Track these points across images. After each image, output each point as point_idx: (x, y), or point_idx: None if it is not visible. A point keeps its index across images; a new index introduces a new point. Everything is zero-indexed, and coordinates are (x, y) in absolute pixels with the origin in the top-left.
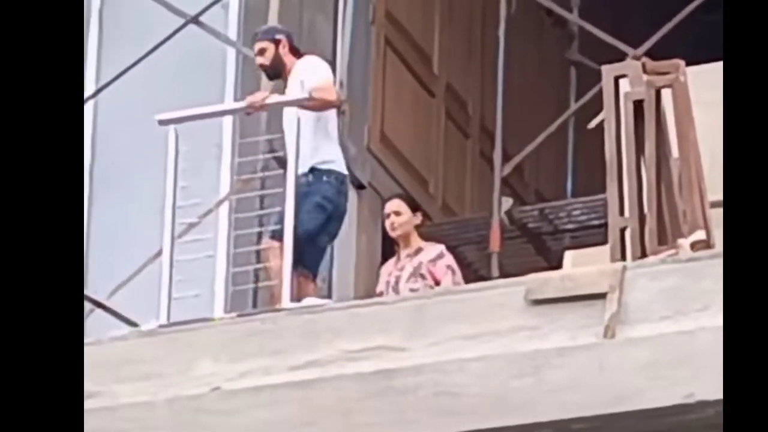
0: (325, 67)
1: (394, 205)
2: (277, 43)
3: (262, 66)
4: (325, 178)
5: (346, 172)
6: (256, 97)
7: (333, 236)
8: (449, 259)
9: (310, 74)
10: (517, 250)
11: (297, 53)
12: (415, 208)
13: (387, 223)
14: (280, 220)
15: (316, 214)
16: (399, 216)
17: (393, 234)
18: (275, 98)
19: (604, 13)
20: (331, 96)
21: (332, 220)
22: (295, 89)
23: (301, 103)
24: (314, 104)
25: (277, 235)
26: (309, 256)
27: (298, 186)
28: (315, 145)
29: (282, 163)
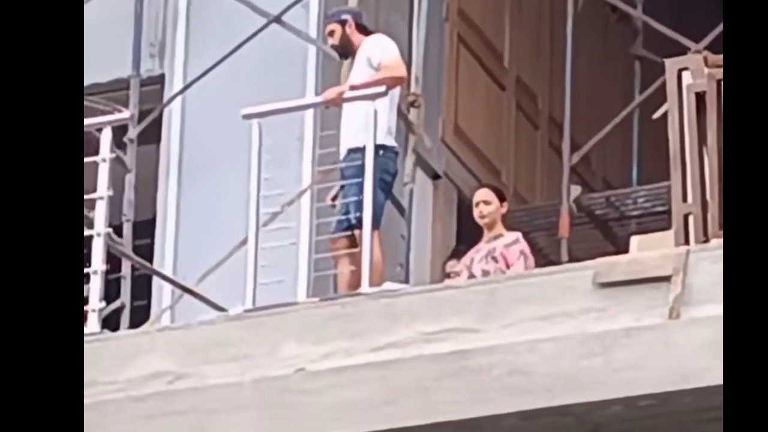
0: (392, 45)
1: (483, 194)
2: (343, 23)
3: (333, 47)
4: (381, 153)
5: (395, 144)
6: (332, 93)
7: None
8: (523, 245)
9: (377, 51)
10: (585, 236)
11: (365, 31)
12: (501, 198)
13: (475, 212)
14: (347, 211)
15: (379, 192)
16: (488, 205)
17: (481, 222)
18: (351, 93)
19: (667, 9)
20: (401, 72)
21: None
22: (361, 65)
23: (377, 97)
24: (384, 81)
25: (344, 226)
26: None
27: (359, 166)
28: (389, 125)
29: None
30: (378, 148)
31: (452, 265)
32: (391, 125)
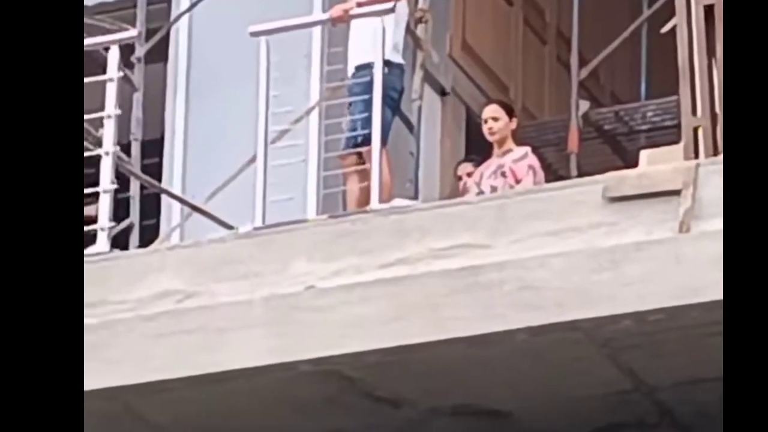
0: None
1: (492, 110)
2: None
3: None
4: (385, 71)
5: (401, 60)
6: (338, 9)
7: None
8: (532, 159)
9: None
10: (594, 151)
11: None
12: (510, 113)
13: (485, 128)
14: (353, 128)
15: (386, 109)
16: (497, 121)
17: (491, 138)
18: (358, 10)
19: None
20: None
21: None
22: None
23: (384, 13)
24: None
25: (353, 143)
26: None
27: (367, 83)
28: (395, 41)
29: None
30: (384, 64)
31: (464, 168)
32: (397, 42)
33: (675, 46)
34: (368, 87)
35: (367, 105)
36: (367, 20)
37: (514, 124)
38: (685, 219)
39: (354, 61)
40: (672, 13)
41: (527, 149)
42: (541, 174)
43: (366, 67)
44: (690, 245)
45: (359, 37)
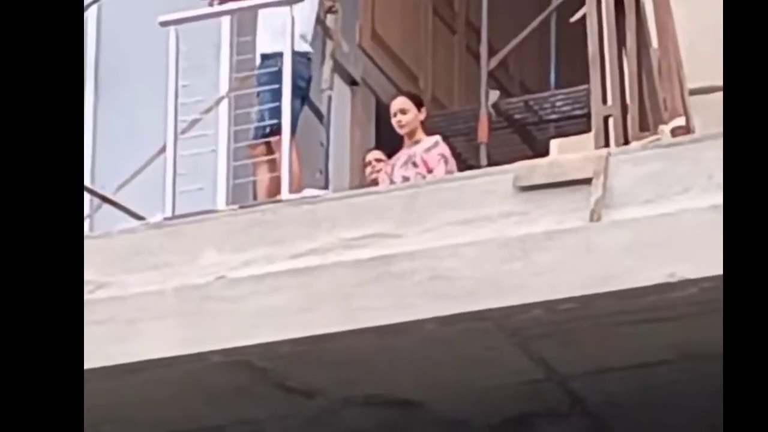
0: None
1: (400, 102)
2: None
3: None
4: (303, 60)
5: (308, 48)
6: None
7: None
8: (443, 148)
9: None
10: (504, 141)
11: None
12: (419, 104)
13: (394, 121)
14: (263, 118)
15: (296, 98)
16: (405, 114)
17: (401, 131)
18: (223, 6)
19: None
20: None
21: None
22: None
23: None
24: None
25: (260, 134)
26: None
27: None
28: (302, 31)
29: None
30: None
31: (373, 154)
32: (304, 31)
33: (584, 36)
34: (275, 77)
35: (275, 95)
36: (274, 9)
37: (423, 115)
38: (596, 208)
39: (260, 50)
40: (580, 3)
41: (437, 138)
42: (452, 162)
43: (272, 57)
44: (601, 234)
45: (265, 25)
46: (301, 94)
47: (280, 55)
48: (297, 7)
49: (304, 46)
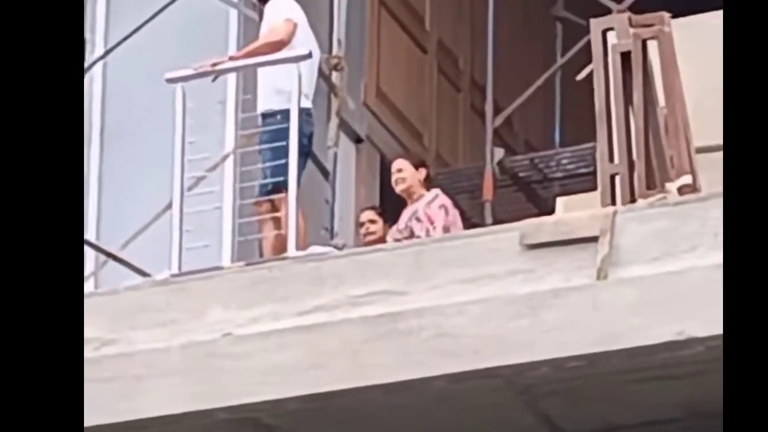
0: (284, 6)
1: (397, 164)
2: (254, 4)
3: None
4: (304, 116)
5: (310, 106)
6: (207, 62)
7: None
8: (443, 199)
9: (270, 14)
10: (509, 199)
11: None
12: (419, 164)
13: (393, 181)
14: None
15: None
16: (400, 173)
17: (398, 190)
18: (229, 64)
19: None
20: (276, 36)
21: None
22: (262, 31)
23: (299, 60)
24: (261, 48)
25: (267, 190)
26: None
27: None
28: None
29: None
30: (289, 111)
31: (366, 215)
32: (306, 89)
33: (589, 94)
34: (276, 134)
35: (276, 152)
36: (272, 68)
37: (422, 174)
38: (603, 266)
39: (260, 108)
40: (585, 61)
41: (437, 191)
42: (453, 212)
43: (272, 115)
44: (608, 292)
45: (262, 84)
46: (304, 151)
47: (280, 112)
48: (300, 64)
49: (305, 103)
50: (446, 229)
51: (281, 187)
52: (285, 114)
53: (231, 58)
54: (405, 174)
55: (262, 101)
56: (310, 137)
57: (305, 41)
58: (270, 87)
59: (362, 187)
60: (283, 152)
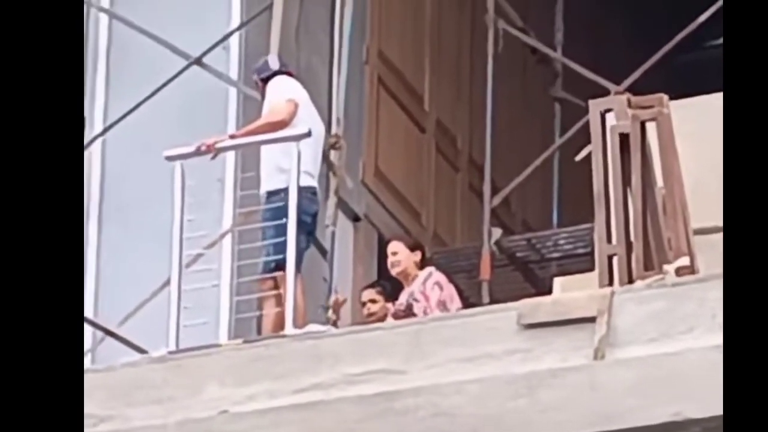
0: (284, 87)
1: (392, 246)
2: (256, 83)
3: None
4: (307, 194)
5: (314, 184)
6: (207, 141)
7: (311, 233)
8: (436, 275)
9: (270, 95)
10: (506, 278)
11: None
12: (414, 247)
13: (388, 263)
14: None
15: (301, 233)
16: (395, 255)
17: (393, 273)
18: (228, 142)
19: (586, 51)
20: (276, 117)
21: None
22: (264, 111)
23: (300, 139)
24: (265, 129)
25: (267, 269)
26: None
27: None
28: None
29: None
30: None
31: (367, 294)
32: (309, 168)
33: (586, 175)
34: (278, 212)
35: (278, 230)
36: (279, 147)
37: (417, 257)
38: (601, 346)
39: (264, 187)
40: (583, 142)
41: (431, 269)
42: (448, 287)
43: (277, 193)
44: (605, 372)
45: (265, 162)
46: (307, 229)
47: (284, 190)
48: (303, 143)
49: (309, 181)
50: (442, 304)
51: (284, 264)
52: (288, 192)
53: (231, 137)
54: (400, 257)
55: (265, 180)
56: (314, 216)
57: (308, 120)
58: (273, 166)
59: (360, 265)
60: (285, 230)
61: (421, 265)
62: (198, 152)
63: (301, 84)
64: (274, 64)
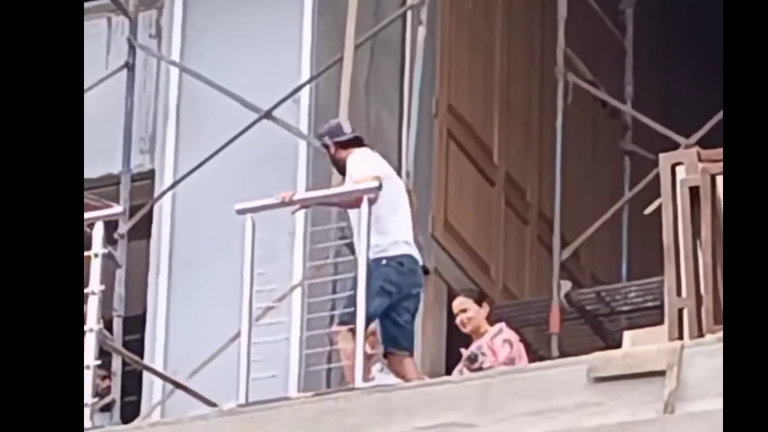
0: (365, 159)
1: (459, 303)
2: (327, 147)
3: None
4: (383, 263)
5: (408, 252)
6: (286, 194)
7: (413, 312)
8: (507, 332)
9: (351, 167)
10: (575, 332)
11: (351, 144)
12: (480, 300)
13: (457, 321)
14: (347, 305)
15: (379, 298)
16: (465, 312)
17: (465, 330)
18: (303, 194)
19: (656, 104)
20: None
21: (403, 299)
22: (347, 182)
23: (328, 201)
24: (344, 202)
25: (344, 319)
26: (400, 337)
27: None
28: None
29: (352, 249)
30: (383, 258)
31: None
32: (378, 240)
33: (655, 227)
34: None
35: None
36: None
37: (485, 310)
38: (670, 400)
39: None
40: (652, 195)
41: (501, 325)
42: (518, 345)
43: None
44: (675, 426)
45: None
46: (389, 296)
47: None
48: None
49: (397, 250)
50: (511, 362)
51: (349, 320)
52: (373, 261)
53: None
54: (471, 314)
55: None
56: (396, 284)
57: (394, 192)
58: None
59: (430, 318)
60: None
61: (489, 317)
62: (278, 204)
63: (371, 137)
64: (348, 128)
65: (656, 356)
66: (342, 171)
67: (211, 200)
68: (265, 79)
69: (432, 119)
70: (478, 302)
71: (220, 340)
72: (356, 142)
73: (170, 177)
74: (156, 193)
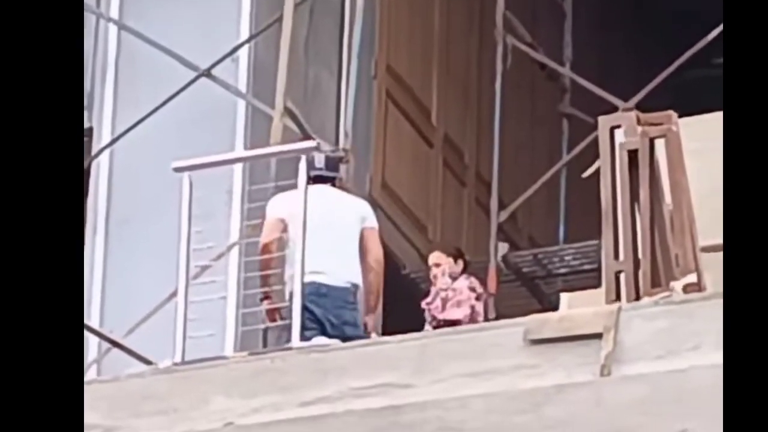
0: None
1: (435, 257)
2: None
3: None
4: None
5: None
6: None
7: None
8: (476, 283)
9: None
10: (512, 294)
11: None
12: (456, 255)
13: (431, 274)
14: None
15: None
16: (438, 267)
17: (435, 286)
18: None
19: (594, 67)
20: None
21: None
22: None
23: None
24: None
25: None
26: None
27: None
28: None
29: None
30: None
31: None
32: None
33: (593, 191)
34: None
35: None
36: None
37: (459, 267)
38: (607, 362)
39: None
40: (590, 158)
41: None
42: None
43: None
44: (611, 389)
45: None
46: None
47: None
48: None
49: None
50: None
51: None
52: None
53: None
54: (443, 269)
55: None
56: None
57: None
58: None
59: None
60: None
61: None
62: (215, 163)
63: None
64: (319, 161)
65: (593, 319)
66: None
67: (148, 159)
68: (204, 37)
69: (371, 80)
70: (455, 258)
71: (157, 298)
72: (317, 178)
73: (108, 135)
74: (93, 151)
